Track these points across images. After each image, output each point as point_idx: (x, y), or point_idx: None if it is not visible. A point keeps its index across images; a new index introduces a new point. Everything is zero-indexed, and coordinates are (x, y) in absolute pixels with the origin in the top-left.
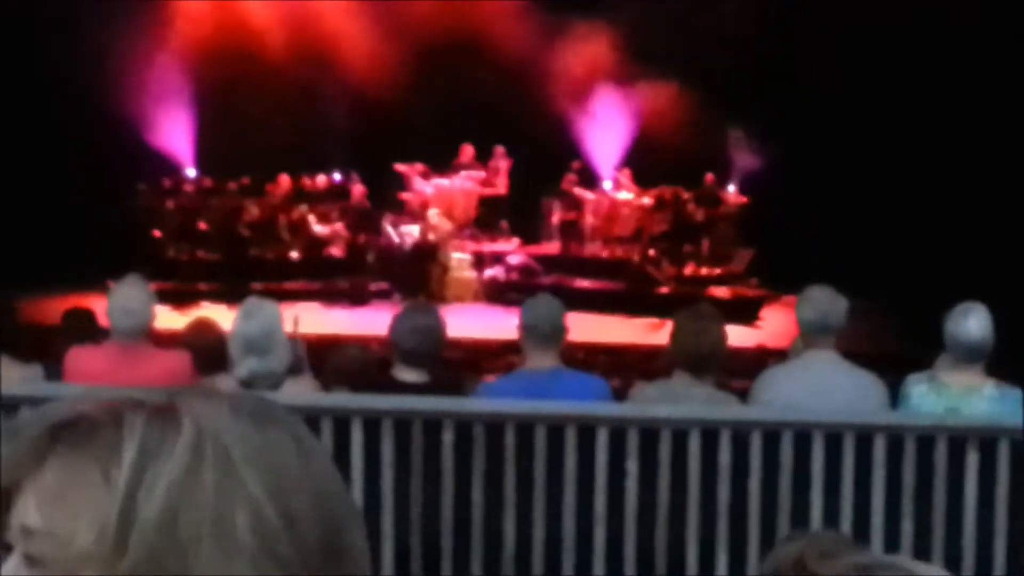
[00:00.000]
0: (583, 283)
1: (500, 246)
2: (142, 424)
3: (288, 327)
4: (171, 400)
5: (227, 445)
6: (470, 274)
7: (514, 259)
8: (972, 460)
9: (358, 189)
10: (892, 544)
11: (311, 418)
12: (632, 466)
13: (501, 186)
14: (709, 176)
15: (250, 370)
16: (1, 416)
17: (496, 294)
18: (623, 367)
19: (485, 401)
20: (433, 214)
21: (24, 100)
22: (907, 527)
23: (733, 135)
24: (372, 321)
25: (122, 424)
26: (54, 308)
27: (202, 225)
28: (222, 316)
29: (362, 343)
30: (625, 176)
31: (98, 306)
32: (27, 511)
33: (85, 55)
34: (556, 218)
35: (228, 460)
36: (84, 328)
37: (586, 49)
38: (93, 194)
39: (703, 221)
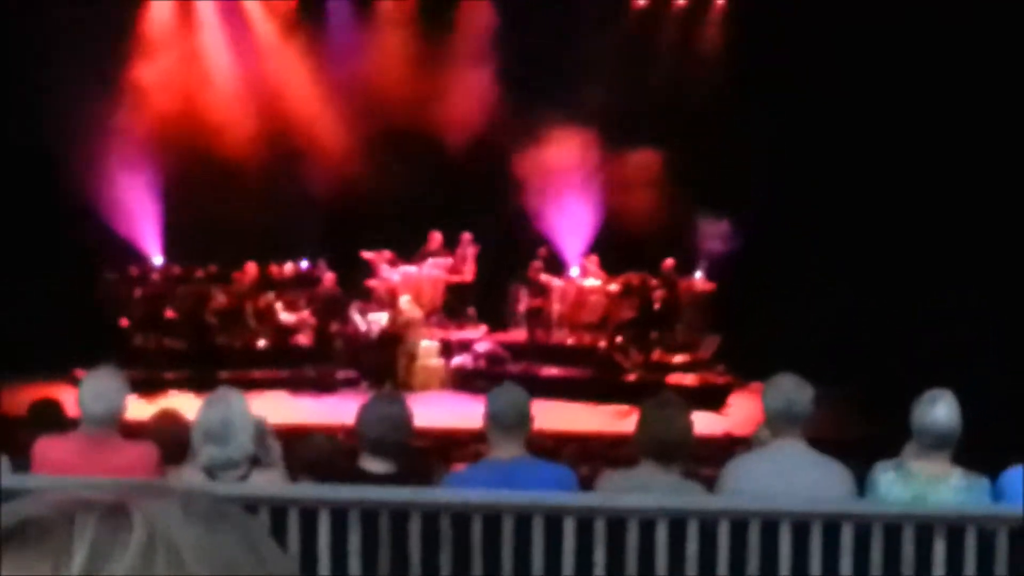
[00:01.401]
0: (550, 370)
1: (467, 333)
2: (93, 524)
3: (255, 416)
4: (122, 499)
5: (178, 545)
6: (437, 362)
7: (481, 347)
8: (939, 548)
9: (328, 276)
10: None
11: (278, 509)
12: (600, 555)
13: (468, 273)
14: (669, 261)
15: (211, 457)
16: None
17: (464, 382)
18: (590, 455)
19: (452, 491)
20: (404, 301)
21: None
22: None
23: (702, 219)
24: (339, 410)
25: (73, 524)
26: (18, 398)
27: (169, 313)
28: (189, 405)
29: (329, 432)
30: (592, 262)
31: (64, 395)
32: None
33: (52, 145)
34: (523, 305)
35: (179, 560)
36: (52, 419)
37: (553, 138)
38: (59, 282)
39: (670, 308)
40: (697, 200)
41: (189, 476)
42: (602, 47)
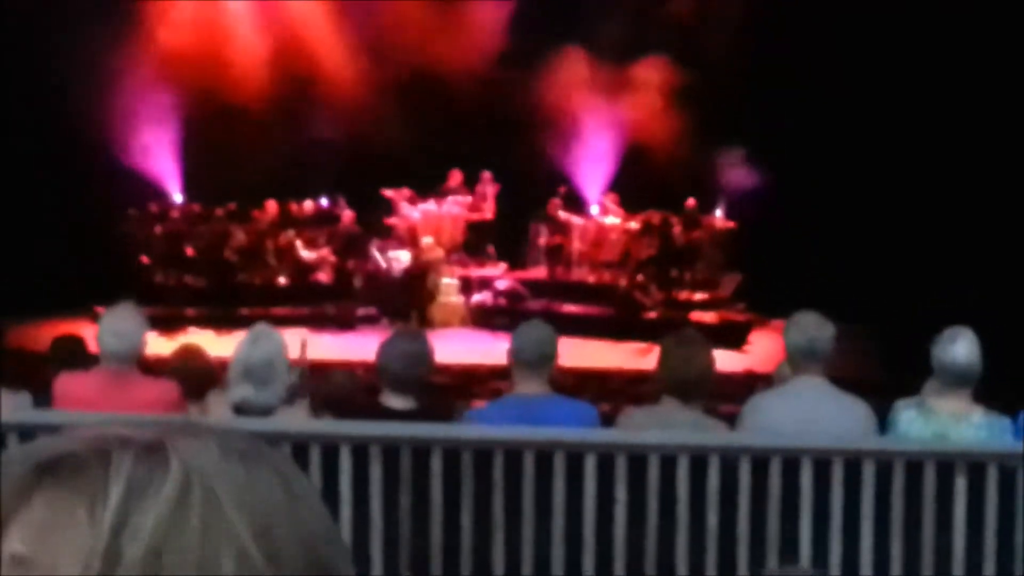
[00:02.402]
0: (571, 308)
1: (487, 271)
2: (130, 463)
3: (295, 353)
4: (159, 437)
5: (214, 486)
6: (458, 299)
7: (501, 284)
8: (960, 485)
9: (347, 214)
10: (881, 569)
11: (299, 445)
12: (620, 492)
13: (488, 211)
14: (691, 201)
15: (244, 397)
16: None
17: (484, 319)
18: (611, 392)
19: (473, 427)
20: (426, 241)
21: (7, 127)
22: (896, 551)
23: (723, 156)
24: (360, 347)
25: (110, 462)
26: (41, 335)
27: (189, 251)
28: (209, 342)
29: (349, 369)
30: (612, 201)
31: (86, 332)
32: (13, 542)
33: (70, 82)
34: (542, 242)
35: (215, 501)
36: (73, 355)
37: (570, 73)
38: (80, 220)
39: (690, 246)
40: (717, 136)
41: (214, 410)
42: None
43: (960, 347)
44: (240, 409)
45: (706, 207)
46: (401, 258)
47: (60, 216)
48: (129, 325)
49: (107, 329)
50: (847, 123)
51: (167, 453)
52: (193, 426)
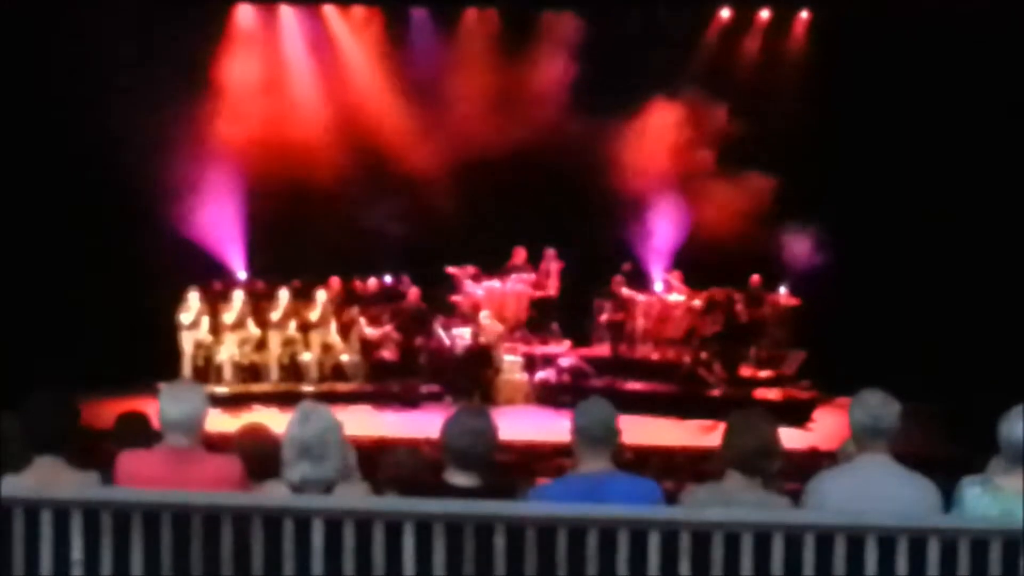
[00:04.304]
0: (634, 385)
1: (551, 348)
2: None
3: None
4: None
5: None
6: (521, 376)
7: (565, 361)
8: None
9: (412, 291)
10: None
11: (362, 522)
12: (684, 569)
13: (552, 288)
14: (755, 278)
15: (302, 476)
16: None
17: (547, 396)
18: (675, 469)
19: (537, 505)
20: (484, 316)
21: (76, 205)
22: None
23: (788, 234)
24: (423, 424)
25: None
26: (102, 411)
27: (253, 328)
28: (273, 419)
29: (413, 446)
30: (676, 278)
31: (150, 409)
32: None
33: (138, 158)
34: (606, 320)
35: None
36: (137, 432)
37: (635, 151)
38: (144, 297)
39: (754, 323)
40: (782, 215)
41: (274, 490)
42: (685, 60)
43: None
44: (299, 488)
45: (771, 284)
46: (465, 335)
47: (125, 293)
48: (189, 396)
49: (167, 400)
50: (912, 201)
51: None
52: None
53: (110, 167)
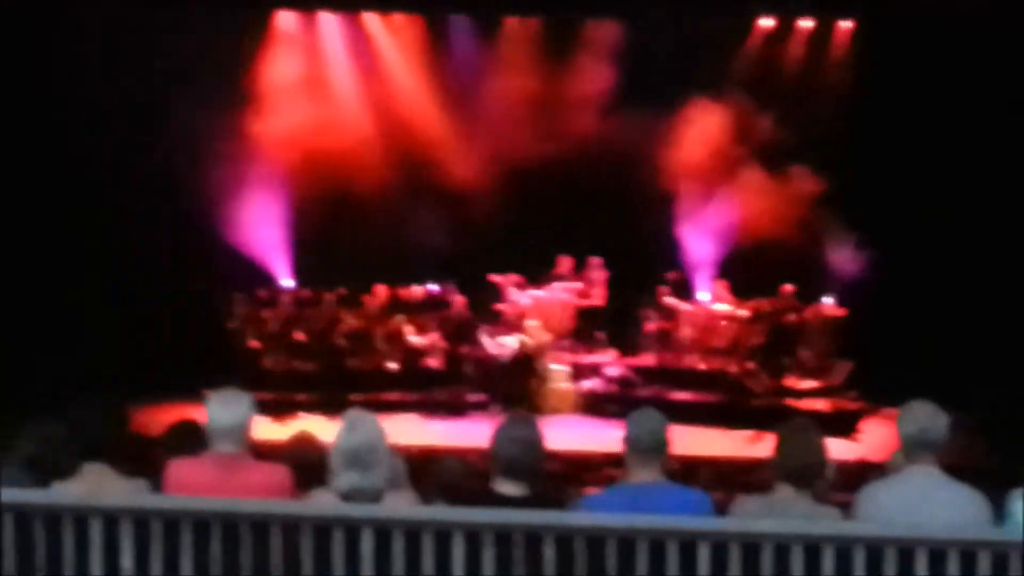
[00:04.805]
0: (681, 395)
1: (597, 357)
2: None
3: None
4: None
5: None
6: (568, 386)
7: (612, 371)
8: None
9: (457, 300)
10: None
11: (412, 532)
12: None
13: (598, 297)
14: (787, 287)
15: (351, 484)
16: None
17: (594, 406)
18: (723, 480)
19: (586, 515)
20: (532, 325)
21: (127, 213)
22: None
23: (835, 243)
24: (470, 433)
25: None
26: (151, 419)
27: (299, 336)
28: (320, 427)
29: (461, 455)
30: (722, 287)
31: (199, 416)
32: None
33: (181, 167)
34: (652, 329)
35: None
36: (191, 441)
37: (682, 159)
38: (191, 305)
39: (800, 333)
40: (828, 224)
41: (322, 499)
42: (727, 66)
43: None
44: (348, 497)
45: (816, 294)
46: (510, 344)
47: (172, 302)
48: (235, 403)
49: (214, 406)
50: (957, 209)
51: None
52: None
53: (155, 176)
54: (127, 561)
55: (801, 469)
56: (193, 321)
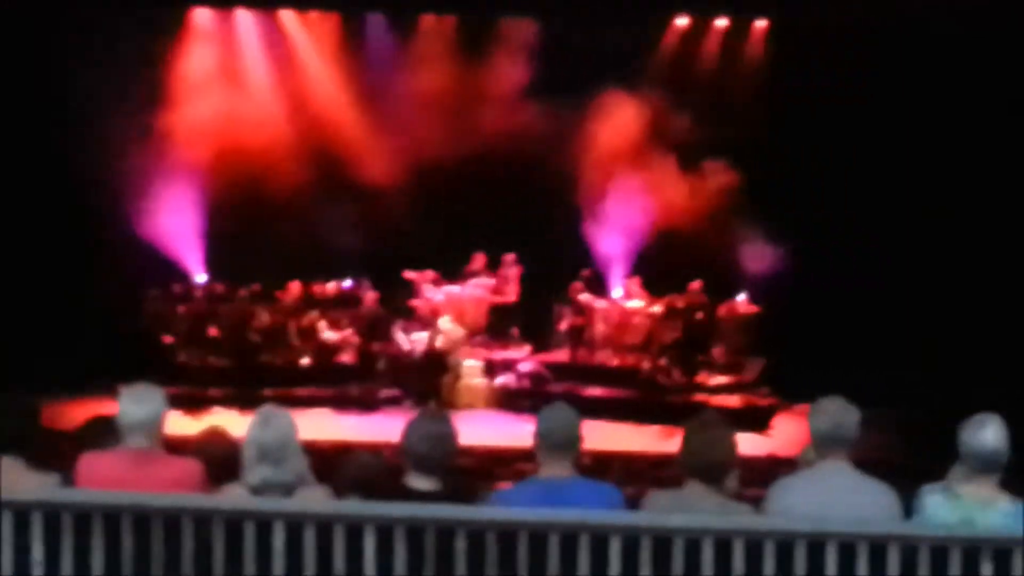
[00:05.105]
0: (594, 391)
1: (511, 353)
2: None
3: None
4: None
5: None
6: (481, 381)
7: (525, 366)
8: (987, 571)
9: (371, 296)
10: None
11: (323, 526)
12: (646, 574)
13: (511, 294)
14: (695, 283)
15: (263, 478)
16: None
17: (507, 401)
18: (635, 475)
19: (498, 509)
20: (444, 321)
21: (36, 208)
22: None
23: (748, 241)
24: (383, 428)
25: None
26: (63, 414)
27: (212, 331)
28: (233, 422)
29: (373, 450)
30: (635, 284)
31: (112, 411)
32: None
33: (94, 164)
34: (566, 325)
35: None
36: (104, 435)
37: (596, 155)
38: (104, 300)
39: (713, 330)
40: (741, 222)
41: (234, 493)
42: (643, 62)
43: (988, 433)
44: (259, 491)
45: (730, 291)
46: (424, 340)
47: (85, 297)
48: (147, 398)
49: (126, 401)
50: (869, 207)
51: None
52: None
53: (67, 173)
54: (38, 554)
55: (708, 466)
56: (107, 316)
